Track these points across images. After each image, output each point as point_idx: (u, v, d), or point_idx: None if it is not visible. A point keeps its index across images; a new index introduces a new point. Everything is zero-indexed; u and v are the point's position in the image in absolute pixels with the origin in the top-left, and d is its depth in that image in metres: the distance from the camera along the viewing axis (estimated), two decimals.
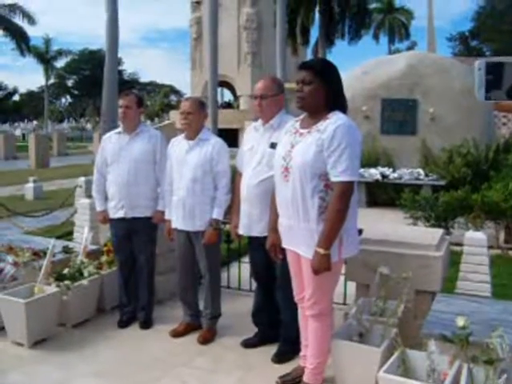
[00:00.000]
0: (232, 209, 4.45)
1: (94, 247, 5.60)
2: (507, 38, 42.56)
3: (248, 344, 4.49)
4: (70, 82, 76.01)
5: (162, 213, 4.80)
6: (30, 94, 78.71)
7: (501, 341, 2.88)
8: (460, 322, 3.01)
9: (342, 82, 3.43)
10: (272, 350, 4.29)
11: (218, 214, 4.47)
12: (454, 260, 4.85)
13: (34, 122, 60.93)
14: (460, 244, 4.90)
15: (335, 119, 3.25)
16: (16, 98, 77.70)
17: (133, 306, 5.03)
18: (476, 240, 4.65)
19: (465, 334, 2.97)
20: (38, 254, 5.29)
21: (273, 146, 3.92)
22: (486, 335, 3.00)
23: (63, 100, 79.87)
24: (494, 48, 45.29)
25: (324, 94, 3.33)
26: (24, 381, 4.00)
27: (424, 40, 29.57)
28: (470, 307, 3.72)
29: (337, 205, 3.18)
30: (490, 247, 5.09)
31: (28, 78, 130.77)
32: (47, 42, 53.01)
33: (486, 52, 47.49)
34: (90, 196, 7.62)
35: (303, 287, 3.53)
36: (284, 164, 3.38)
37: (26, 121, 67.32)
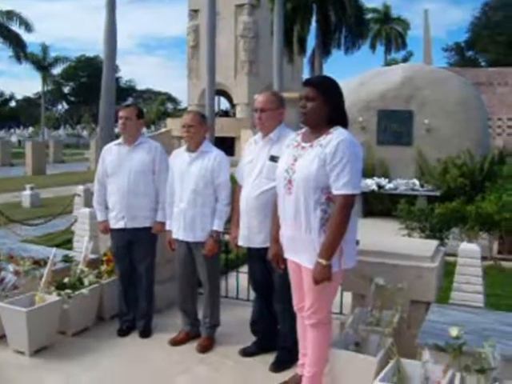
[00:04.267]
0: (231, 220, 4.53)
1: (93, 256, 5.62)
2: (502, 48, 42.89)
3: (246, 352, 4.54)
4: (66, 89, 75.79)
5: (162, 223, 4.86)
6: (27, 101, 78.62)
7: (492, 350, 2.95)
8: (453, 332, 3.09)
9: (343, 98, 3.53)
10: (270, 358, 4.36)
11: (218, 225, 4.56)
12: (448, 270, 4.93)
13: (30, 129, 60.83)
14: (455, 255, 4.96)
15: (337, 134, 3.35)
16: (12, 104, 77.67)
17: (132, 314, 5.08)
18: (470, 252, 4.72)
19: (458, 343, 3.05)
20: (39, 263, 5.34)
21: (272, 158, 4.01)
22: (479, 345, 3.06)
23: (60, 106, 79.76)
24: (489, 58, 45.57)
25: (326, 110, 3.43)
26: None
27: (420, 50, 29.89)
28: (463, 317, 3.79)
29: (338, 217, 3.27)
30: (483, 258, 5.17)
31: (25, 84, 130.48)
32: (44, 49, 52.82)
33: (482, 62, 47.75)
34: (88, 205, 7.69)
35: (303, 297, 3.60)
36: (287, 177, 3.46)
37: (22, 127, 67.23)
